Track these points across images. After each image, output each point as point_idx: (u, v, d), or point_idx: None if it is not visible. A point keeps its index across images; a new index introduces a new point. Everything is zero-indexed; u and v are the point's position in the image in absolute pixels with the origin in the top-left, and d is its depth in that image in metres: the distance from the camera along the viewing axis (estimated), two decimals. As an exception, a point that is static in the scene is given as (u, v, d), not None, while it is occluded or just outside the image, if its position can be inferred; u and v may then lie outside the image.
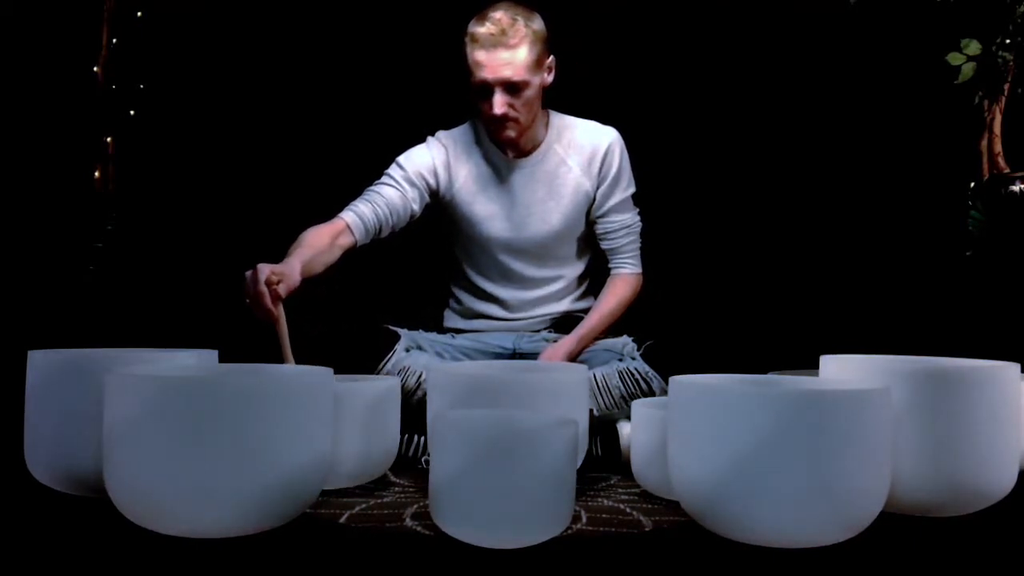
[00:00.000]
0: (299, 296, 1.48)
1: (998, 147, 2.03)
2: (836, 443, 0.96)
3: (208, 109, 2.35)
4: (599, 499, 1.31)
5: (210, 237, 2.34)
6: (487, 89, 1.70)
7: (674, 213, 1.92)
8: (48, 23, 2.11)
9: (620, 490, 1.38)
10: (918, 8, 2.11)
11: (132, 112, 2.21)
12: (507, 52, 1.67)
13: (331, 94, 2.43)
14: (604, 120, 1.89)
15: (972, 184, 2.03)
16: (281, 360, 1.43)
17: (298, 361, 1.44)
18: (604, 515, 1.21)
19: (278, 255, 1.56)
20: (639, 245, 1.88)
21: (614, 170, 1.83)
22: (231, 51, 2.35)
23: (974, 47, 2.00)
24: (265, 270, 1.43)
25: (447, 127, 1.89)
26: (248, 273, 1.44)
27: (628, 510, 1.24)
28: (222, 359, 1.29)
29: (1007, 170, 2.01)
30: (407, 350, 1.74)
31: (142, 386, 0.99)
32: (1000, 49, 1.99)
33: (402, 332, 1.77)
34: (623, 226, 1.85)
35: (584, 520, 1.18)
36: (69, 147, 2.14)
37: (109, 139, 2.17)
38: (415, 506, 1.24)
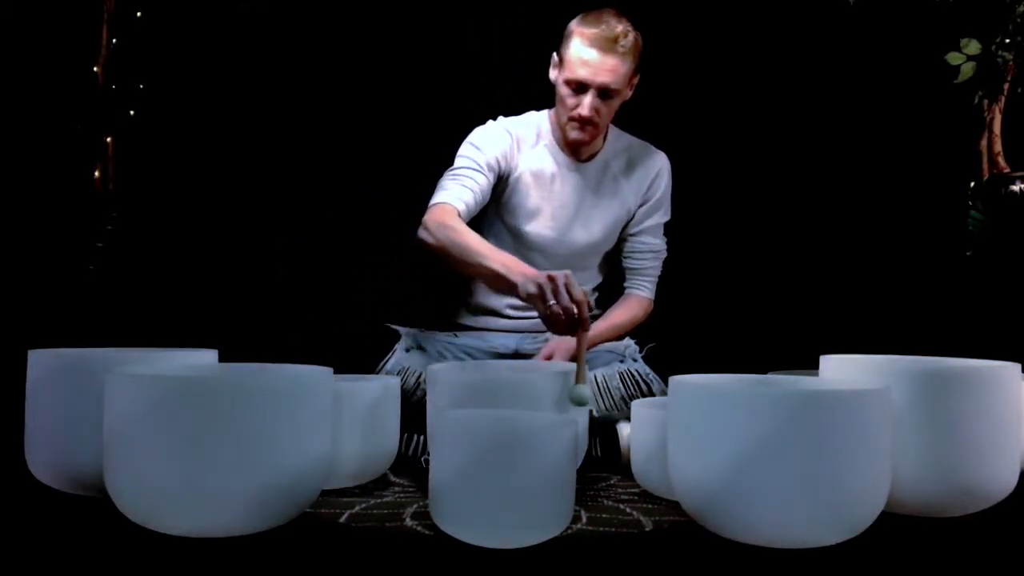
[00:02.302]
0: (298, 295, 1.48)
1: (998, 147, 2.03)
2: (836, 443, 0.96)
3: (208, 109, 2.35)
4: (599, 499, 1.31)
5: (210, 237, 2.34)
6: (582, 88, 1.69)
7: (673, 214, 1.92)
8: (48, 23, 2.11)
9: (620, 490, 1.38)
10: (918, 8, 2.11)
11: (132, 112, 2.21)
12: (615, 58, 1.66)
13: (330, 93, 2.43)
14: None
15: (972, 184, 2.03)
16: (578, 375, 1.30)
17: (297, 361, 1.43)
18: (604, 515, 1.21)
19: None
20: (659, 273, 1.90)
21: (659, 193, 1.86)
22: (231, 51, 2.35)
23: (974, 47, 2.00)
24: (572, 279, 1.34)
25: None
26: (544, 281, 1.35)
27: (628, 510, 1.24)
28: (222, 359, 1.28)
29: (1007, 170, 2.01)
30: (407, 350, 1.73)
31: (142, 386, 0.99)
32: (1000, 49, 1.99)
33: (402, 331, 1.76)
34: (651, 250, 1.87)
35: (584, 520, 1.17)
36: (69, 147, 2.14)
37: (109, 139, 2.17)
38: (415, 506, 1.24)
